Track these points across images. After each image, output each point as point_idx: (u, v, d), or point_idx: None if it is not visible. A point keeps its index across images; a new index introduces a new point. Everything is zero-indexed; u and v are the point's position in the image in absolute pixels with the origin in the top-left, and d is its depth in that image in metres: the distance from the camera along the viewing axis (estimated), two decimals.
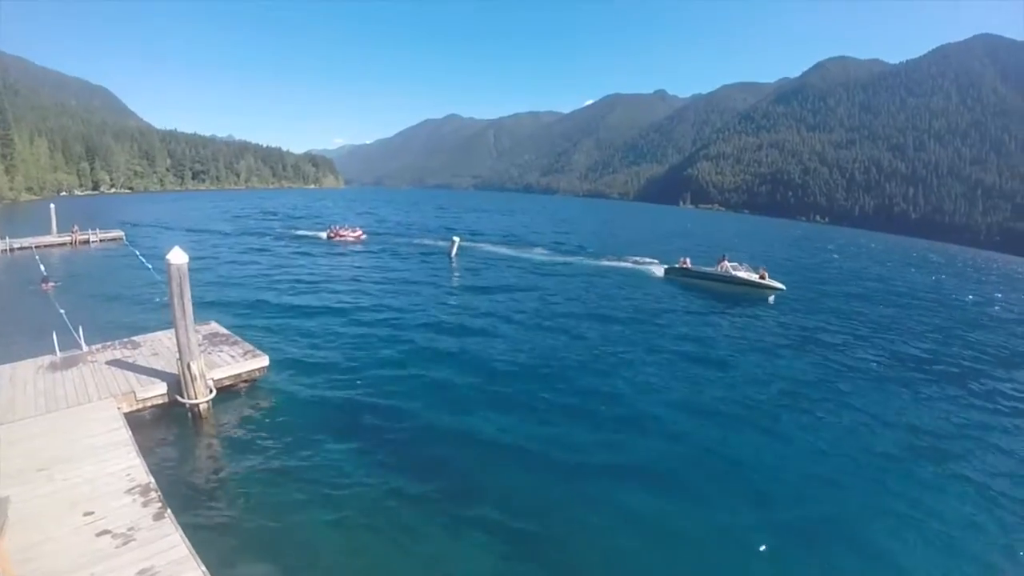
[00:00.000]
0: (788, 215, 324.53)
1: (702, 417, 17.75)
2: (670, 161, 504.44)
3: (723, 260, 42.52)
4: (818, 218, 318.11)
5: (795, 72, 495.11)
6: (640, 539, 11.51)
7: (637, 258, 55.65)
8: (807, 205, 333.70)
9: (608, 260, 54.38)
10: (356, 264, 45.95)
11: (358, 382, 18.54)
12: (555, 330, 27.52)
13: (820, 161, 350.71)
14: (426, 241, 63.04)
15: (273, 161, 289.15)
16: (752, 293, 40.37)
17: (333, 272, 40.76)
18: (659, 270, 47.50)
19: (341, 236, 60.38)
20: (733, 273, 41.20)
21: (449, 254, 51.74)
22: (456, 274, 43.85)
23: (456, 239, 53.86)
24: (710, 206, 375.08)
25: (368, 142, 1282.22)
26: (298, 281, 35.79)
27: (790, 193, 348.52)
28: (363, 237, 62.28)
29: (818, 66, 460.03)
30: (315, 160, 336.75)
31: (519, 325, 28.03)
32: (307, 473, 12.82)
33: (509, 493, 12.77)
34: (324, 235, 61.79)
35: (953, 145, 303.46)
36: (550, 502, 12.53)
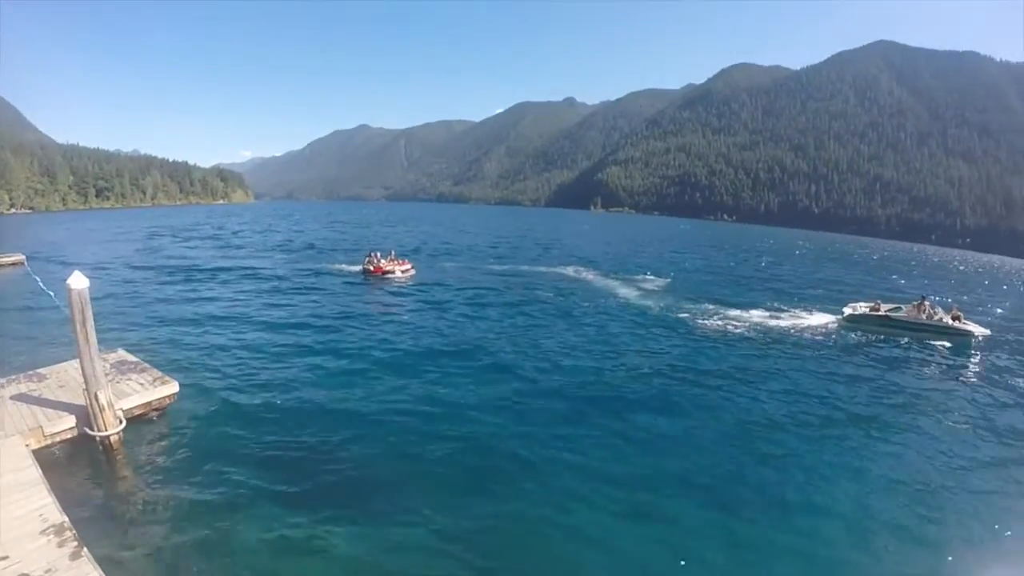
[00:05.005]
0: (697, 215, 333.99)
1: None
2: (580, 167, 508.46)
3: (923, 302, 33.33)
4: (725, 216, 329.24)
5: (700, 78, 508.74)
6: None
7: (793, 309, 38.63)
8: (714, 205, 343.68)
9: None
10: (264, 278, 43.40)
11: (274, 403, 17.84)
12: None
13: (726, 163, 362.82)
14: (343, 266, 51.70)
15: (180, 176, 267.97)
16: (939, 339, 31.38)
17: (245, 293, 37.68)
18: (816, 318, 35.25)
19: (386, 272, 45.47)
20: (936, 319, 32.19)
21: (366, 269, 46.71)
22: (379, 293, 39.98)
23: (377, 254, 48.53)
24: (620, 209, 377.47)
25: (278, 154, 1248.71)
26: (209, 307, 32.74)
27: (698, 194, 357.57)
28: (412, 272, 47.46)
29: (722, 72, 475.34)
30: (223, 174, 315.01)
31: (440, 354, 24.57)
32: (223, 499, 12.41)
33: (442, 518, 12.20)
34: (358, 268, 48.05)
35: (852, 144, 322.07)
36: None
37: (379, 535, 11.42)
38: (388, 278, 44.52)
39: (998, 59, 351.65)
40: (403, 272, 46.20)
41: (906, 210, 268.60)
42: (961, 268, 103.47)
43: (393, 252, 49.86)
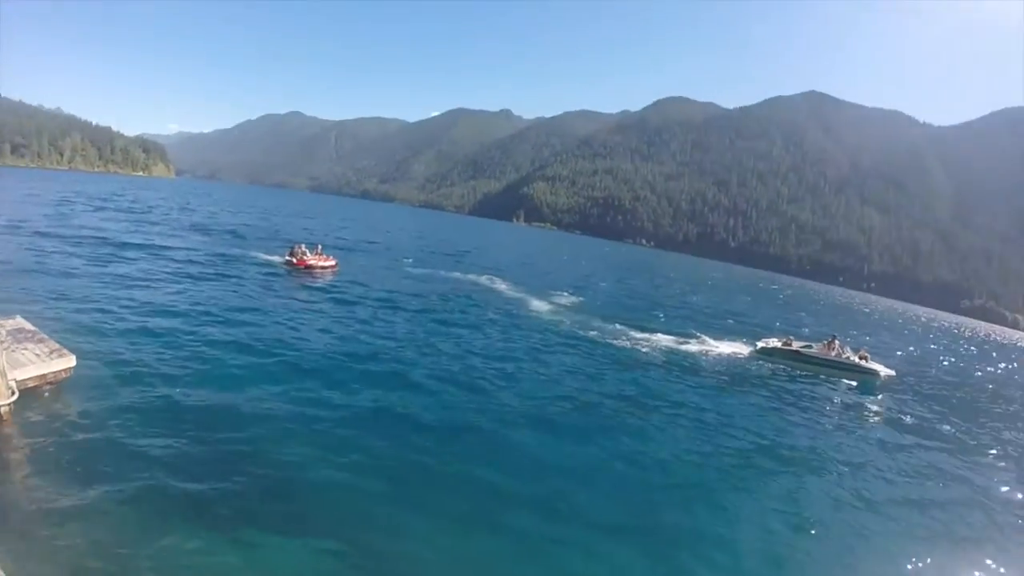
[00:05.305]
0: (617, 237, 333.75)
1: None
2: (508, 179, 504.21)
3: (833, 340, 35.28)
4: (644, 242, 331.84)
5: (637, 106, 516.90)
6: None
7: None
8: (635, 229, 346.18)
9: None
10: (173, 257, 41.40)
11: (171, 394, 16.84)
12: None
13: (651, 190, 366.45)
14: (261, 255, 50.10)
15: (102, 142, 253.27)
16: (846, 377, 33.07)
17: (157, 273, 35.52)
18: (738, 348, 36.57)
19: (308, 265, 43.88)
20: (844, 357, 33.89)
21: (288, 261, 45.10)
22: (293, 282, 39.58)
23: (303, 246, 47.19)
24: (543, 224, 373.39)
25: (206, 131, 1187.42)
26: (116, 284, 30.84)
27: (620, 217, 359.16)
28: (335, 268, 46.45)
29: (658, 103, 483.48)
30: (147, 145, 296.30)
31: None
32: (115, 479, 11.95)
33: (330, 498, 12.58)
34: (279, 259, 46.15)
35: (774, 185, 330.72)
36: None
37: (269, 544, 10.91)
38: (310, 272, 43.29)
39: (921, 121, 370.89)
40: (325, 268, 45.24)
41: (818, 251, 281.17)
42: (866, 311, 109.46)
43: (319, 247, 48.69)
